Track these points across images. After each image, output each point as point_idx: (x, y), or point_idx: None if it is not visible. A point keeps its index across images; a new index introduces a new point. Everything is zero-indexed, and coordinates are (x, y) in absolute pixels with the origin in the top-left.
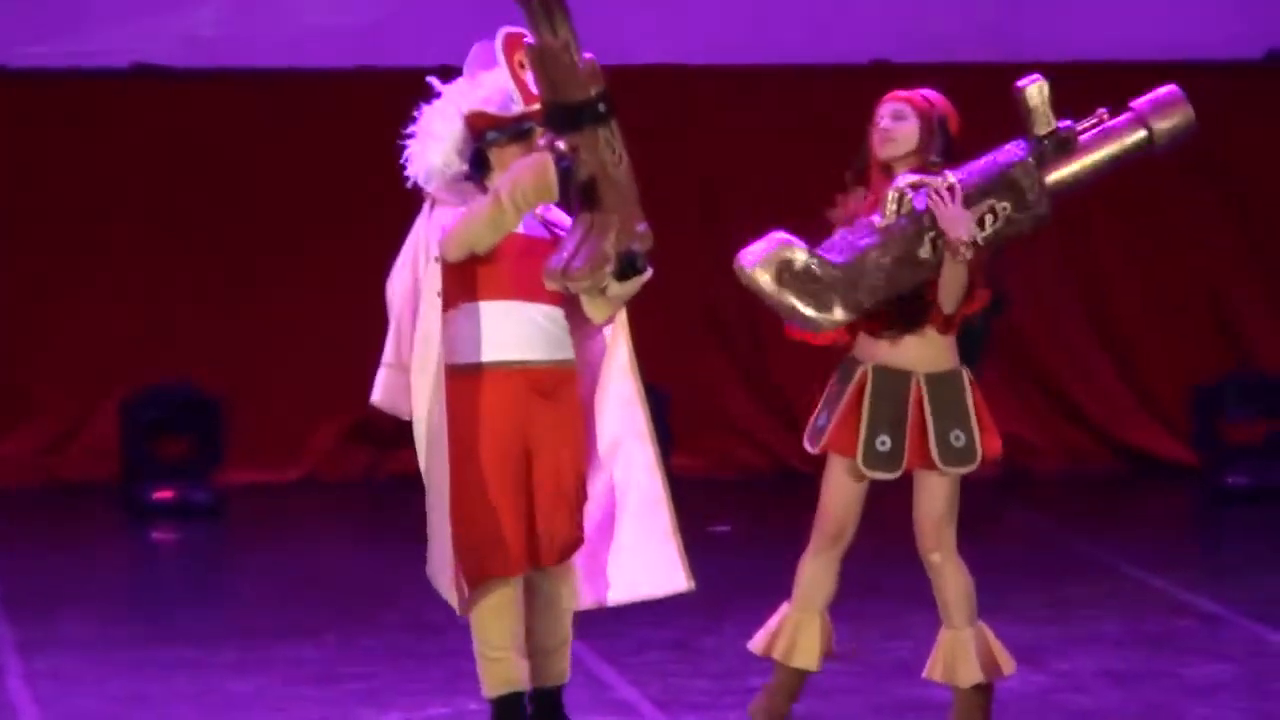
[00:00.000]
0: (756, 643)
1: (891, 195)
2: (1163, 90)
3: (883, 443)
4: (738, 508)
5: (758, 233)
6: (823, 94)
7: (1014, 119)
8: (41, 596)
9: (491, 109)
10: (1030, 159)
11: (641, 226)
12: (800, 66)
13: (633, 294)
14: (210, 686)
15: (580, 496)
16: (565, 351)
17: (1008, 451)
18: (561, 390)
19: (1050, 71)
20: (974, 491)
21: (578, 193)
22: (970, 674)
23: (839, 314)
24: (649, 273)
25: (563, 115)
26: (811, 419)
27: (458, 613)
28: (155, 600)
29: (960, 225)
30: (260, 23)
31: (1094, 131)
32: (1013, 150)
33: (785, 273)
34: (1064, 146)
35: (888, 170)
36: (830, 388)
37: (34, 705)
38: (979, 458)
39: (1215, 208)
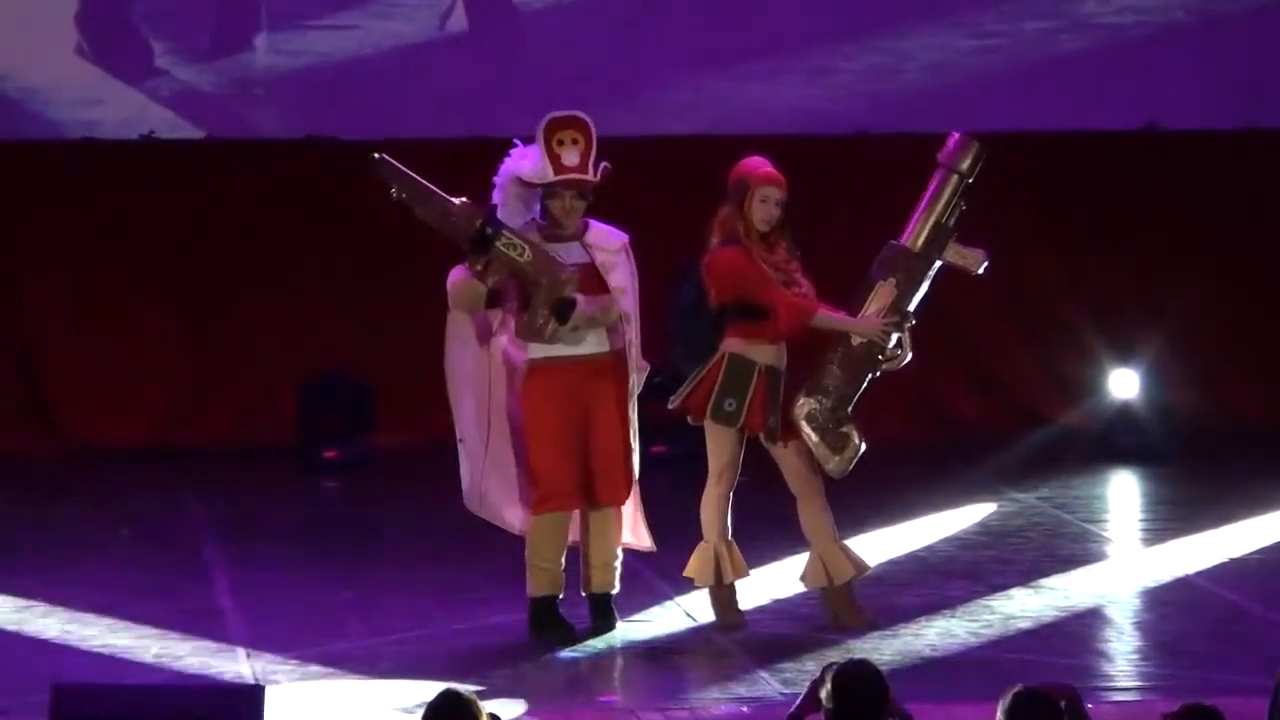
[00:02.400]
0: (702, 577)
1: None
2: (951, 141)
3: (773, 419)
4: (755, 465)
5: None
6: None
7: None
8: (241, 529)
9: (528, 175)
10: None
11: (565, 273)
12: (790, 136)
13: (591, 320)
14: (365, 595)
15: (627, 454)
16: (607, 344)
17: (955, 419)
18: (610, 373)
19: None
20: (924, 451)
21: (514, 287)
22: (844, 572)
23: None
24: (580, 301)
25: (471, 249)
26: (712, 402)
27: (516, 531)
28: (325, 532)
29: None
30: (398, 100)
31: (925, 196)
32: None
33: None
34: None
35: (753, 234)
36: (722, 381)
37: (237, 609)
38: None
39: (1104, 243)
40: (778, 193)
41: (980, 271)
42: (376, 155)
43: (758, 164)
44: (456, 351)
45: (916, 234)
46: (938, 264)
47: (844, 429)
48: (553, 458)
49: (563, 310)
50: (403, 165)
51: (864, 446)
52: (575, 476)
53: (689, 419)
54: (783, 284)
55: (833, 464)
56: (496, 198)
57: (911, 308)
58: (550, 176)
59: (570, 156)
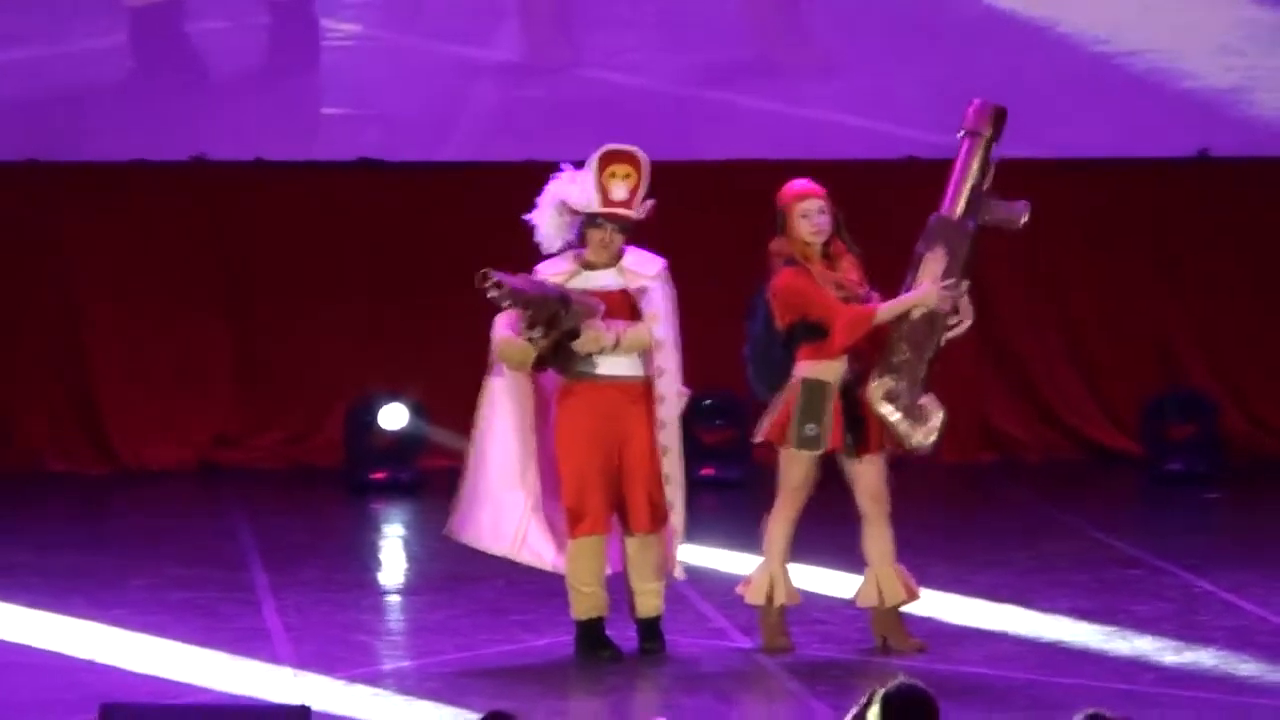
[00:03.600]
0: (753, 596)
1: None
2: (971, 107)
3: (850, 438)
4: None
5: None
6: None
7: None
8: (288, 551)
9: (575, 204)
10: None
11: (596, 305)
12: (842, 161)
13: (590, 350)
14: (411, 617)
15: (657, 481)
16: (641, 369)
17: (1005, 442)
18: (644, 398)
19: (1021, 166)
20: (975, 475)
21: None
22: (896, 596)
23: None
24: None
25: (544, 329)
26: (792, 428)
27: (548, 567)
28: (371, 554)
29: None
30: (449, 123)
31: (957, 164)
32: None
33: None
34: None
35: (809, 247)
36: (800, 407)
37: (283, 631)
38: None
39: (1158, 269)
40: (816, 203)
41: (1023, 224)
42: (489, 278)
43: (789, 185)
44: (500, 407)
45: (955, 202)
46: (980, 226)
47: (922, 402)
48: (585, 481)
49: (571, 337)
50: (507, 275)
51: (945, 416)
52: (607, 500)
53: (774, 445)
54: (845, 300)
55: (917, 438)
56: (537, 217)
57: (962, 272)
58: (596, 208)
59: (619, 191)
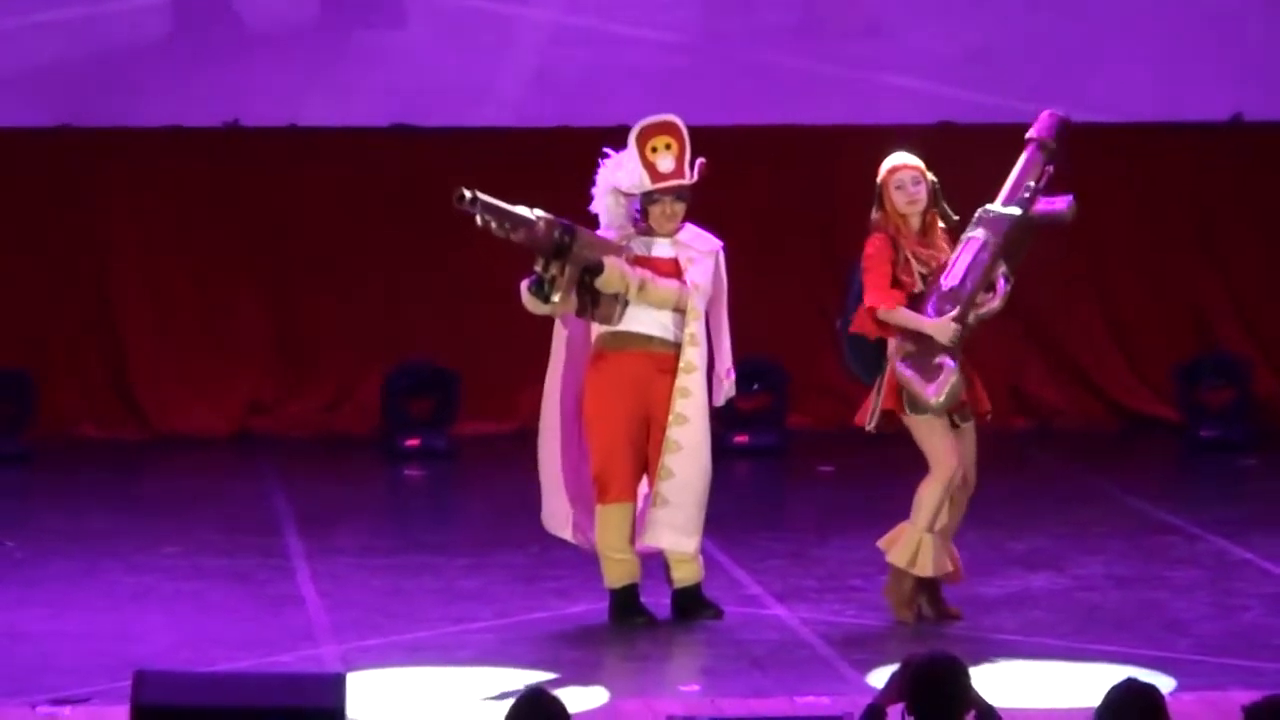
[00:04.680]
0: (897, 556)
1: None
2: (1041, 117)
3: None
4: (839, 453)
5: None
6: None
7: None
8: (323, 518)
9: (626, 187)
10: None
11: (619, 245)
12: (876, 127)
13: (614, 290)
14: (446, 584)
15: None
16: (674, 335)
17: (1039, 408)
18: (675, 370)
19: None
20: (1010, 441)
21: (583, 278)
22: (943, 568)
23: None
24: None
25: (551, 255)
26: (905, 394)
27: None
28: (406, 521)
29: None
30: (483, 87)
31: (1017, 167)
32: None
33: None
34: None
35: (905, 220)
36: (912, 374)
37: (318, 597)
38: None
39: (1193, 234)
40: (910, 174)
41: (1070, 217)
42: (468, 195)
43: (886, 160)
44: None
45: (1003, 195)
46: (1024, 216)
47: (937, 360)
48: (612, 449)
49: (593, 274)
50: (487, 195)
51: (959, 379)
52: (635, 468)
53: (901, 419)
54: (923, 277)
55: (929, 399)
56: (596, 207)
57: (1001, 253)
58: (648, 185)
59: (665, 163)
